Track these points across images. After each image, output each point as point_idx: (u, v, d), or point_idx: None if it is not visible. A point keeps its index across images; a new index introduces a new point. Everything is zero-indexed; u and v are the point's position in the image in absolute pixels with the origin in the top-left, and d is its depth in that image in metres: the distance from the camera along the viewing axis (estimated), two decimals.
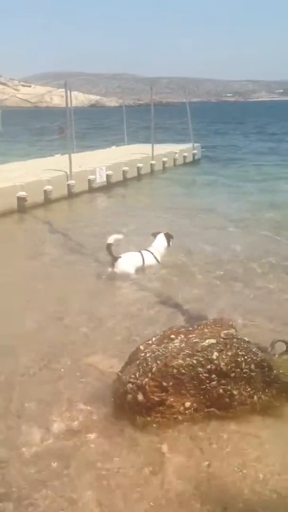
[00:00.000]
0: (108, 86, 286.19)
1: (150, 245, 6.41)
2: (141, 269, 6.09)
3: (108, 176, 13.27)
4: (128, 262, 5.97)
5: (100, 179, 12.95)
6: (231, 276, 6.20)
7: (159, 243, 6.41)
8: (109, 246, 5.82)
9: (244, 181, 14.33)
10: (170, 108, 72.94)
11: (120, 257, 5.92)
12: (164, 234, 6.50)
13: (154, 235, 6.51)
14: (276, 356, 3.69)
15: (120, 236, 6.07)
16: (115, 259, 5.87)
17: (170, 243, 6.52)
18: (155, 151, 15.98)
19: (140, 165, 14.95)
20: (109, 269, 5.95)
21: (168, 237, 6.51)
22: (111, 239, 5.85)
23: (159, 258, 6.29)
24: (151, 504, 2.51)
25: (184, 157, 18.05)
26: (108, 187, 13.18)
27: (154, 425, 3.05)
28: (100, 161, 13.94)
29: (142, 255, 6.15)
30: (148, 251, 6.27)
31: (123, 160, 14.54)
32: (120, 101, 20.83)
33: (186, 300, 5.37)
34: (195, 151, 18.90)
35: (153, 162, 15.69)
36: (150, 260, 6.20)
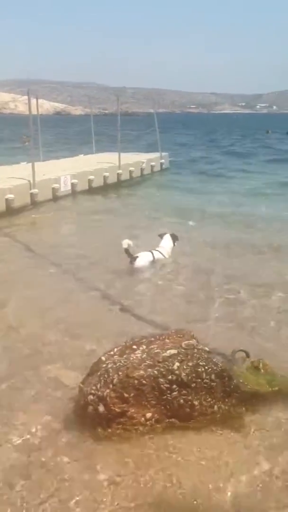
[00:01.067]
0: (73, 95, 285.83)
1: (157, 244, 7.17)
2: (152, 264, 6.92)
3: (73, 184, 13.18)
4: (143, 260, 6.86)
5: (64, 187, 12.84)
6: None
7: (166, 243, 7.23)
8: (126, 250, 6.71)
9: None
10: (135, 118, 73.43)
11: (138, 256, 6.81)
12: (170, 234, 7.31)
13: (161, 236, 7.33)
14: (236, 365, 3.76)
15: (130, 242, 6.81)
16: (134, 258, 6.77)
17: (175, 243, 7.30)
18: (123, 160, 15.97)
19: (106, 174, 14.92)
20: (130, 265, 6.80)
21: (174, 237, 7.31)
22: (125, 244, 6.70)
23: (166, 255, 7.12)
24: None
25: (152, 166, 18.12)
26: (73, 195, 13.10)
27: (114, 438, 3.03)
28: (66, 170, 13.84)
29: (152, 253, 6.99)
30: (157, 250, 7.08)
31: (88, 169, 14.48)
32: (86, 110, 20.88)
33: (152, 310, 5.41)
34: (162, 160, 19.03)
35: (119, 171, 15.68)
36: (158, 256, 7.03)
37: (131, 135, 28.67)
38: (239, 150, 31.23)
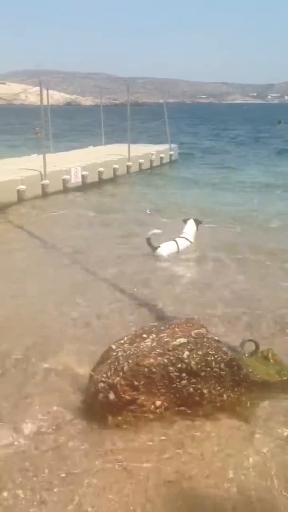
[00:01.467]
0: (83, 85, 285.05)
1: (181, 230, 7.37)
2: (176, 252, 7.11)
3: (83, 176, 13.23)
4: (165, 250, 7.02)
5: (75, 179, 12.90)
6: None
7: (189, 229, 7.41)
8: (148, 240, 6.93)
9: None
10: (145, 108, 73.06)
11: (159, 246, 6.99)
12: (194, 219, 7.51)
13: (185, 221, 7.51)
14: (246, 355, 3.78)
15: (158, 231, 7.10)
16: (155, 248, 6.95)
17: (198, 228, 7.49)
18: (132, 152, 15.98)
19: (116, 166, 14.94)
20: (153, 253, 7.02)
21: (197, 222, 7.51)
22: (149, 234, 6.98)
23: (192, 240, 7.34)
24: (125, 503, 2.54)
25: (161, 158, 18.10)
26: (84, 187, 13.14)
27: (125, 426, 3.07)
28: (76, 162, 13.88)
29: (176, 242, 7.16)
30: (182, 237, 7.27)
31: (98, 161, 14.51)
32: (96, 101, 20.85)
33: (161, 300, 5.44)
34: (171, 152, 19.00)
35: (129, 163, 15.69)
36: (183, 244, 7.21)
37: (141, 126, 28.59)
38: (249, 141, 30.98)
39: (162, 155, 18.16)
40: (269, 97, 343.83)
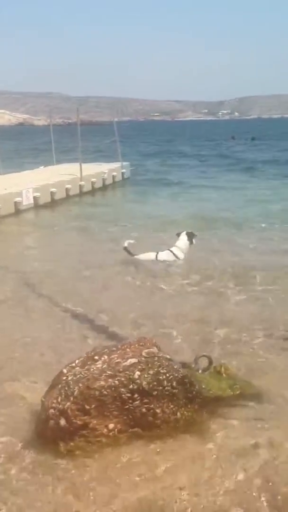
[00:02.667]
0: (36, 105, 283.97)
1: (173, 244, 7.48)
2: (154, 263, 7.26)
3: (35, 198, 13.10)
4: (141, 257, 7.27)
5: (27, 201, 12.77)
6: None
7: (181, 242, 7.46)
8: (125, 248, 7.28)
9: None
10: (99, 127, 73.40)
11: (136, 255, 7.26)
12: (186, 233, 7.50)
13: (178, 234, 7.55)
14: (200, 371, 3.79)
15: (132, 241, 7.42)
16: (132, 255, 7.27)
17: (193, 241, 7.53)
18: (84, 171, 15.97)
19: (68, 186, 14.88)
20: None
21: (191, 236, 7.50)
22: (126, 243, 7.32)
23: (179, 255, 7.34)
24: None
25: (113, 176, 18.16)
26: (36, 209, 13.01)
27: (77, 452, 3.00)
28: (27, 183, 13.75)
29: (157, 254, 7.29)
30: (169, 250, 7.36)
31: (50, 181, 14.42)
32: (50, 120, 20.68)
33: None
34: (124, 170, 19.11)
35: (81, 183, 15.66)
36: (165, 257, 7.30)
37: (93, 145, 28.66)
38: (204, 158, 31.47)
39: (114, 173, 18.23)
40: (220, 113, 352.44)
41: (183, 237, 7.49)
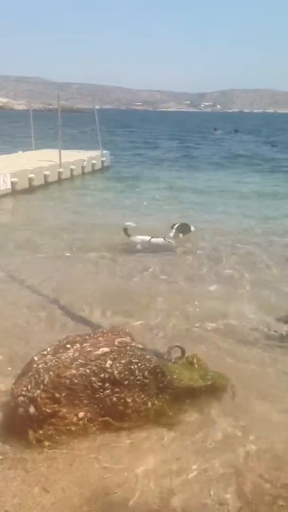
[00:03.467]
0: (16, 89, 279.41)
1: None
2: (148, 246, 7.79)
3: (12, 183, 12.89)
4: (137, 239, 7.83)
5: (4, 186, 12.55)
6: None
7: (172, 234, 8.23)
8: (125, 230, 7.87)
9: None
10: (80, 114, 72.66)
11: (131, 235, 7.87)
12: (181, 225, 8.38)
13: (172, 226, 8.33)
14: (172, 361, 3.80)
15: (131, 223, 8.02)
16: (129, 235, 7.86)
17: (181, 234, 8.33)
18: (64, 158, 15.75)
19: (47, 172, 14.68)
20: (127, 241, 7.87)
21: (185, 227, 8.37)
22: (126, 224, 7.96)
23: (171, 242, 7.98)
24: None
25: (93, 164, 17.97)
26: (13, 194, 12.80)
27: (46, 441, 2.98)
28: (4, 168, 13.50)
29: (151, 238, 7.85)
30: (164, 238, 7.94)
31: (29, 167, 14.18)
32: (30, 105, 20.31)
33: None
34: (103, 158, 18.92)
35: (60, 170, 15.46)
36: (158, 241, 7.86)
37: (73, 131, 28.35)
38: (186, 150, 31.30)
39: (94, 161, 18.04)
40: (202, 105, 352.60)
41: (174, 230, 8.25)
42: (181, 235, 8.25)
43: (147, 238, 7.83)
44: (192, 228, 8.47)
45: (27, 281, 6.18)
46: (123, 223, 8.15)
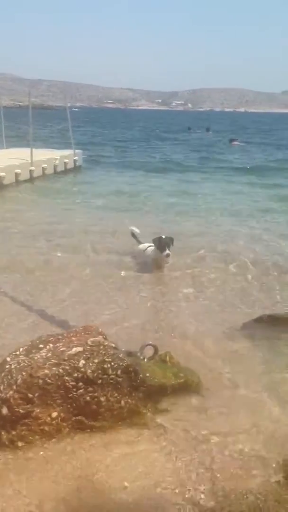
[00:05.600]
0: None
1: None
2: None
3: None
4: (145, 246, 7.09)
5: None
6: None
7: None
8: (133, 234, 7.53)
9: None
10: (52, 112, 72.09)
11: (141, 242, 7.29)
12: (156, 238, 6.81)
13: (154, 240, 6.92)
14: (145, 360, 3.83)
15: (136, 229, 7.61)
16: (139, 242, 7.35)
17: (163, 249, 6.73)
18: (35, 157, 15.61)
19: (18, 171, 14.53)
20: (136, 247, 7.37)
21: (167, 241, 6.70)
22: (131, 228, 7.61)
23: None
24: None
25: (65, 163, 17.86)
26: None
27: (19, 442, 2.98)
28: None
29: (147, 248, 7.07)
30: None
31: None
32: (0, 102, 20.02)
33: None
34: (76, 158, 18.81)
35: (32, 168, 15.32)
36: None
37: (45, 130, 28.12)
38: (162, 149, 31.44)
39: (66, 160, 17.92)
40: (174, 104, 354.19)
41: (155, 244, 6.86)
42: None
43: (151, 248, 6.91)
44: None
45: None
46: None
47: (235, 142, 34.45)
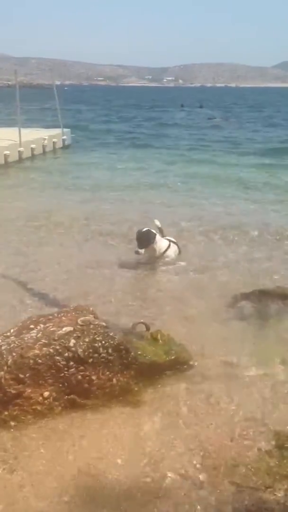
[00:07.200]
0: None
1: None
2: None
3: None
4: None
5: None
6: None
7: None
8: (160, 228, 6.36)
9: None
10: (40, 91, 70.92)
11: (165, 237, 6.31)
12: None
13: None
14: (136, 338, 3.85)
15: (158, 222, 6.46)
16: (163, 236, 6.27)
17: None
18: (23, 137, 15.42)
19: (7, 152, 14.35)
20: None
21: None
22: (157, 222, 6.43)
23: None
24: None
25: (54, 143, 17.68)
26: None
27: (12, 422, 3.00)
28: None
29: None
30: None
31: None
32: None
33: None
34: (64, 137, 18.62)
35: (21, 149, 15.13)
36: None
37: (33, 109, 27.70)
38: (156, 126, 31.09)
39: (55, 140, 17.73)
40: (165, 80, 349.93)
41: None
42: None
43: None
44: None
45: None
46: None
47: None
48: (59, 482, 2.61)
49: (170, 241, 6.30)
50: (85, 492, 2.55)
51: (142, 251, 5.93)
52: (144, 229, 6.03)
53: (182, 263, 6.19)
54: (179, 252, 6.36)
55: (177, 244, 6.38)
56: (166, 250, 6.13)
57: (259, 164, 15.36)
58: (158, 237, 6.07)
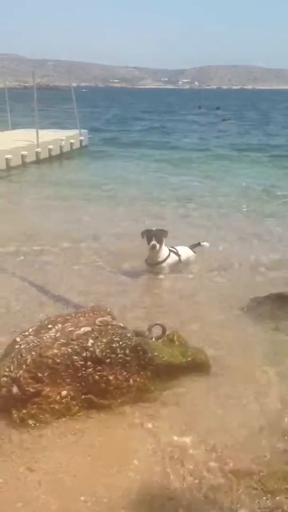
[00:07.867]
0: None
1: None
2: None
3: None
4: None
5: None
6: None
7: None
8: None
9: None
10: (57, 92, 71.37)
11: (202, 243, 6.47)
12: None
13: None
14: (153, 339, 3.86)
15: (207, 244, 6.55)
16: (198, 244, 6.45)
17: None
18: (41, 138, 15.56)
19: (24, 152, 14.49)
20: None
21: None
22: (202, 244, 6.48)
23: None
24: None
25: (71, 143, 17.80)
26: None
27: (30, 420, 3.02)
28: None
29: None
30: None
31: (5, 147, 13.98)
32: (5, 83, 19.87)
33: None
34: (82, 138, 18.74)
35: (38, 149, 15.26)
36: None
37: (50, 110, 27.89)
38: (175, 129, 31.02)
39: (72, 140, 17.86)
40: (180, 82, 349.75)
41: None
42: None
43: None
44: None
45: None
46: None
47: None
48: (76, 482, 2.63)
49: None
50: (102, 491, 2.57)
51: (158, 246, 5.85)
52: (156, 228, 6.02)
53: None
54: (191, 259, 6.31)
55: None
56: (166, 258, 6.01)
57: None
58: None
